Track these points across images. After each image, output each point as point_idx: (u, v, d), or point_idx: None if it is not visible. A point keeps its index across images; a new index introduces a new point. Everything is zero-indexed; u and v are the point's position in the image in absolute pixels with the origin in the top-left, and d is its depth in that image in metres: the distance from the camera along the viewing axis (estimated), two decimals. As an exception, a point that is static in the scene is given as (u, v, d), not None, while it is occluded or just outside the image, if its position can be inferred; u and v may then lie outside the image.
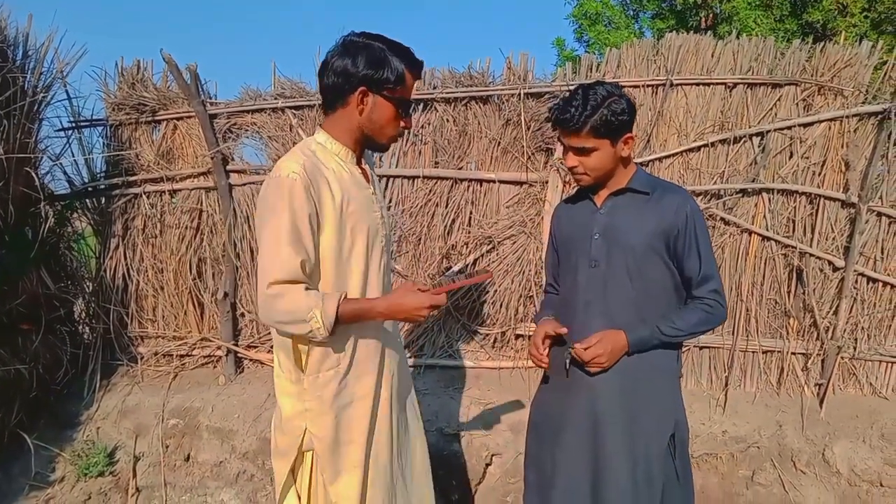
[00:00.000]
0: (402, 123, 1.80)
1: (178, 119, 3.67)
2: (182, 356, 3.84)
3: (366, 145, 1.84)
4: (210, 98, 3.64)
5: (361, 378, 1.83)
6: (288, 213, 1.61)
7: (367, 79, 1.68)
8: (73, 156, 3.71)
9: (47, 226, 3.39)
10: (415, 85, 1.80)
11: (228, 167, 3.66)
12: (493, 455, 3.30)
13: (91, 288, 3.83)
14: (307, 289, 1.65)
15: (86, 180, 3.73)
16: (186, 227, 3.74)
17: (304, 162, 1.67)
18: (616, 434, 1.92)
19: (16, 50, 3.28)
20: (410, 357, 3.77)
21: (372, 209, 1.83)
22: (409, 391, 2.07)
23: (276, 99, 3.60)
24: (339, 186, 1.72)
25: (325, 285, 1.74)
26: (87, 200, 3.78)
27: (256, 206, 1.72)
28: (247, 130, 3.70)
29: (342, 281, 1.76)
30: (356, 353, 1.81)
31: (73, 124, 3.68)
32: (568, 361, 1.97)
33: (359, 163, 1.86)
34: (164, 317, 3.84)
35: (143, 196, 3.69)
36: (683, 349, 3.62)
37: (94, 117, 3.70)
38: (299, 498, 1.87)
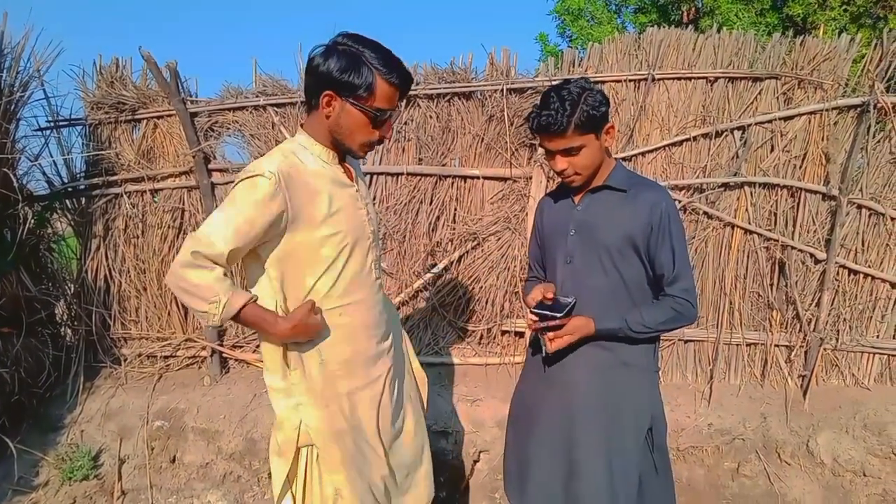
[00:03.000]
0: (375, 133, 1.74)
1: (158, 118, 3.63)
2: (166, 357, 3.81)
3: (340, 149, 1.80)
4: (191, 96, 3.60)
5: (354, 371, 1.84)
6: (251, 209, 1.61)
7: (334, 82, 1.63)
8: (52, 156, 3.66)
9: (26, 227, 3.35)
10: (396, 97, 1.71)
11: (210, 166, 3.63)
12: (480, 452, 3.31)
13: (73, 289, 3.79)
14: (225, 275, 1.66)
15: (65, 180, 3.69)
16: (169, 227, 3.71)
17: (281, 163, 1.65)
18: (591, 429, 1.93)
19: (-9, 49, 3.23)
20: (397, 354, 3.76)
21: (356, 207, 1.82)
22: (404, 384, 2.07)
23: (257, 96, 3.58)
24: (320, 187, 1.72)
25: (303, 283, 1.76)
26: (67, 201, 3.73)
27: None
28: (228, 129, 3.66)
29: (325, 280, 1.76)
30: (342, 347, 1.81)
31: (52, 124, 3.63)
32: (544, 348, 1.98)
33: (342, 162, 1.85)
34: (147, 318, 3.81)
35: (125, 196, 3.65)
36: (667, 343, 3.66)
37: (73, 116, 3.65)
38: (294, 498, 1.86)
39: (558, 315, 1.85)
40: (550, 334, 1.90)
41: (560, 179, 1.99)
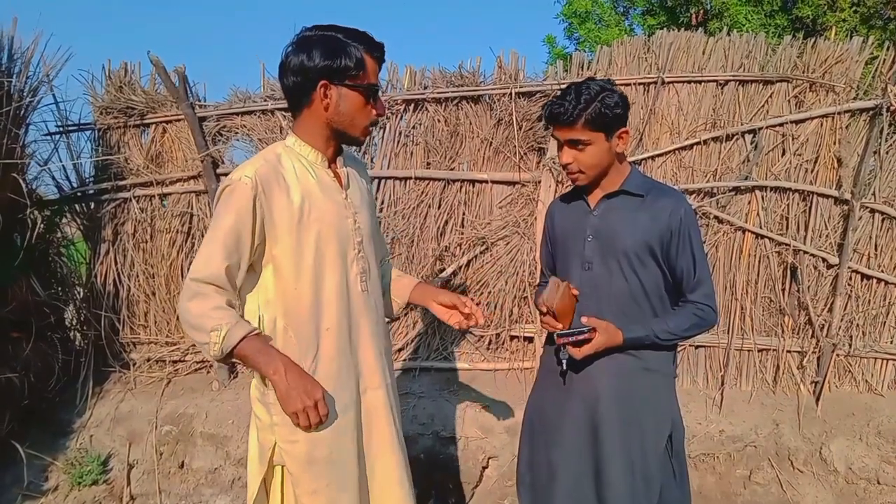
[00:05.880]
0: (373, 111, 1.72)
1: (166, 122, 3.63)
2: (175, 362, 3.81)
3: (340, 141, 1.77)
4: (199, 100, 3.60)
5: (332, 394, 1.73)
6: (232, 217, 1.60)
7: (327, 70, 1.61)
8: (62, 160, 3.67)
9: (36, 232, 3.35)
10: (378, 70, 1.72)
11: (219, 170, 3.62)
12: (489, 458, 3.29)
13: (82, 294, 3.80)
14: (228, 303, 1.62)
15: (74, 185, 3.69)
16: (177, 232, 3.71)
17: (259, 168, 1.63)
18: (614, 436, 1.92)
19: (0, 53, 3.24)
20: (404, 360, 3.75)
21: (342, 215, 1.75)
22: (388, 403, 1.91)
23: (265, 101, 3.57)
24: (300, 192, 1.67)
25: (285, 294, 1.69)
26: (77, 205, 3.74)
27: None
28: (236, 133, 3.66)
29: (306, 290, 1.69)
30: (323, 365, 1.73)
31: (61, 128, 3.64)
32: (565, 362, 1.96)
33: (332, 165, 1.79)
34: (156, 322, 3.81)
35: (133, 200, 3.65)
36: (679, 349, 3.63)
37: (82, 121, 3.66)
38: None
39: (585, 330, 1.82)
40: (579, 356, 1.87)
41: (570, 181, 1.98)
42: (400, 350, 3.78)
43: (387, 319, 2.05)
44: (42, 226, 3.44)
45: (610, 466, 1.91)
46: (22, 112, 3.31)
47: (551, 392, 2.08)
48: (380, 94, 1.74)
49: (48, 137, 3.63)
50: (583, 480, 1.96)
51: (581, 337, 1.84)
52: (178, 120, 3.59)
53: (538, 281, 2.27)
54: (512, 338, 3.79)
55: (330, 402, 1.70)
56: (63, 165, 3.66)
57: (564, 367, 1.96)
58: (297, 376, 1.61)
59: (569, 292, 1.86)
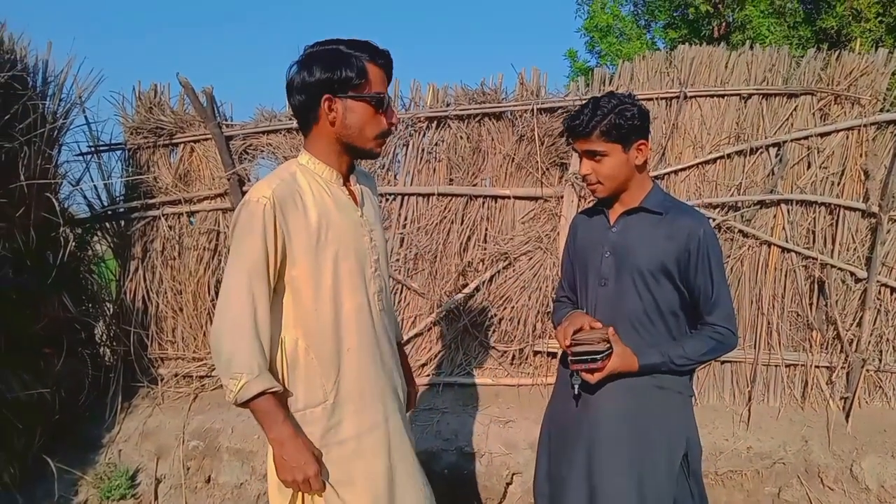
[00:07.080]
0: (383, 121, 1.67)
1: (194, 141, 3.71)
2: (202, 377, 3.85)
3: (353, 156, 1.73)
4: (226, 120, 3.68)
5: (354, 416, 1.72)
6: (255, 241, 1.56)
7: (328, 83, 1.57)
8: (93, 180, 3.77)
9: (68, 250, 3.42)
10: (385, 79, 1.67)
11: (245, 188, 3.68)
12: (513, 474, 3.27)
13: (111, 310, 3.87)
14: (259, 336, 1.58)
15: (105, 204, 3.78)
16: (204, 249, 3.77)
17: (276, 187, 1.59)
18: (618, 453, 1.88)
19: (36, 77, 3.35)
20: (428, 375, 3.75)
21: (359, 233, 1.73)
22: (402, 423, 1.90)
23: (290, 119, 3.63)
24: (317, 212, 1.63)
25: (305, 315, 1.66)
26: (107, 224, 3.82)
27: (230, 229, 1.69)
28: (262, 151, 3.72)
29: (326, 311, 1.66)
30: (345, 386, 1.70)
31: (93, 149, 3.74)
32: (577, 387, 1.95)
33: (346, 182, 1.75)
34: (183, 338, 3.86)
35: (162, 218, 3.72)
36: (702, 366, 3.59)
37: (113, 141, 3.76)
38: None
39: (598, 358, 1.81)
40: (593, 381, 1.87)
41: (591, 193, 1.99)
42: (423, 365, 3.79)
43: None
44: (74, 244, 3.52)
45: (609, 486, 1.87)
46: (55, 133, 3.41)
47: (564, 405, 2.07)
48: (391, 102, 1.70)
49: (80, 157, 3.74)
50: (582, 497, 1.93)
51: (594, 365, 1.83)
52: (206, 139, 3.67)
53: (556, 295, 2.27)
54: (535, 353, 3.78)
55: (355, 424, 1.70)
56: (94, 185, 3.77)
57: (577, 391, 1.95)
58: (295, 450, 1.60)
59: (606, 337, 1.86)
